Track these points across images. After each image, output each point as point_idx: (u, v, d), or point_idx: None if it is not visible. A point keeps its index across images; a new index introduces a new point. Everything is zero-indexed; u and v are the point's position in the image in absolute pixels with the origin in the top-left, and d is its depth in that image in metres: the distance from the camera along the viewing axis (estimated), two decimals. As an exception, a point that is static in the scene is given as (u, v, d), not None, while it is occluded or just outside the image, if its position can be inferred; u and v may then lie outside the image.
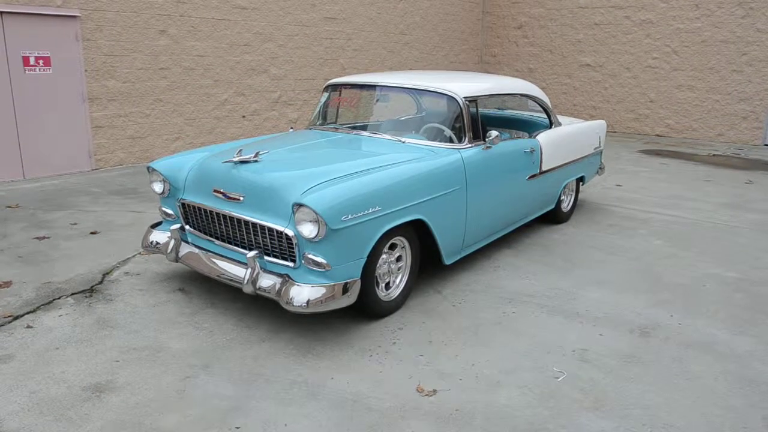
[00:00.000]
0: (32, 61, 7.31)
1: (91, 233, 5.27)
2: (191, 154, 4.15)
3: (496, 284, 4.30)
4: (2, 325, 3.51)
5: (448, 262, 4.11)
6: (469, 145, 4.27)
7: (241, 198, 3.50)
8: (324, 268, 3.21)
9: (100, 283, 4.18)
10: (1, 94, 7.08)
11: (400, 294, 3.80)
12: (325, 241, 3.17)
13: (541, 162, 5.07)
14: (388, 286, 3.75)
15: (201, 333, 3.47)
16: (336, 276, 3.25)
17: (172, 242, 3.85)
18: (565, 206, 5.95)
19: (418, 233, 3.85)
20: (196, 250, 3.81)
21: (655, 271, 4.63)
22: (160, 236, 4.03)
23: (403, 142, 4.23)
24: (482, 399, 2.89)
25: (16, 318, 3.61)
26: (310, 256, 3.22)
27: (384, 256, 3.62)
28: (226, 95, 9.37)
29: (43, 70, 7.41)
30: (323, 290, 3.19)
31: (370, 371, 3.11)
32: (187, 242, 3.91)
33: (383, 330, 3.56)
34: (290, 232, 3.27)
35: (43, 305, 3.79)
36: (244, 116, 9.71)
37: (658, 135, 12.29)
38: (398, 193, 3.54)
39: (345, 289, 3.26)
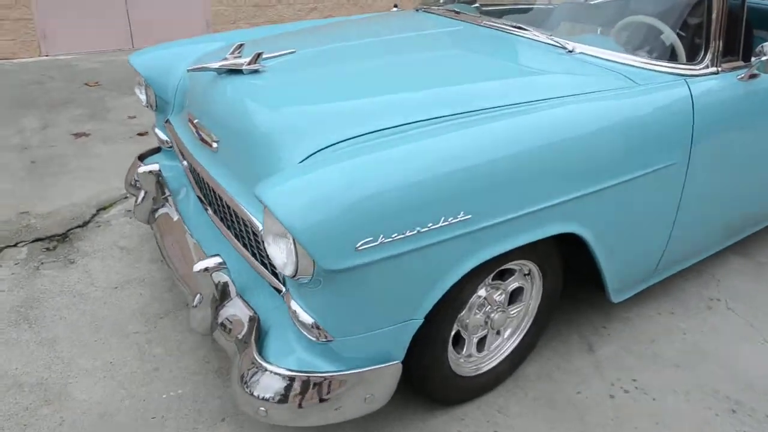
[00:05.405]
0: None
1: (138, 134, 4.02)
2: (195, 44, 2.49)
3: (709, 349, 2.23)
4: None
5: (616, 299, 2.12)
6: (712, 69, 2.05)
7: (214, 143, 1.82)
8: (318, 337, 1.47)
9: (84, 225, 2.88)
10: (101, -58, 5.93)
11: (505, 360, 1.96)
12: (320, 287, 1.41)
13: None
14: (482, 343, 1.92)
15: (140, 371, 2.00)
16: (346, 356, 1.50)
17: (143, 193, 2.34)
18: None
19: (562, 249, 1.89)
20: (176, 216, 2.25)
21: None
22: (147, 174, 2.53)
23: (572, 51, 2.12)
24: None
25: (-68, 275, 2.46)
26: (294, 307, 1.49)
27: (481, 292, 1.77)
28: (376, -44, 7.42)
29: None
30: (309, 387, 1.47)
31: None
32: (169, 194, 2.36)
33: (454, 437, 1.80)
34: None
35: (-18, 256, 2.61)
36: (397, -14, 7.71)
37: None
38: (529, 177, 1.58)
39: (364, 383, 1.52)
